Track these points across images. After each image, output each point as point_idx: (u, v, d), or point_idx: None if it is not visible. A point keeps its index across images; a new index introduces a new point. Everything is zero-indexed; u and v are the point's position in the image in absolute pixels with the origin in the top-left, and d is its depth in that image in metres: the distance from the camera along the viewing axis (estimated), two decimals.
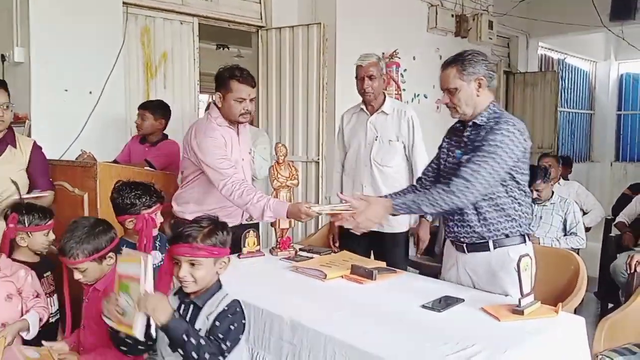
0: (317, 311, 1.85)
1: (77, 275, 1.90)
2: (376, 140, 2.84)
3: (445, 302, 1.87)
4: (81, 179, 2.75)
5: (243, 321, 1.69)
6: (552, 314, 1.76)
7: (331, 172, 4.46)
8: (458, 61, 2.03)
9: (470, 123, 2.07)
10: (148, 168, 3.07)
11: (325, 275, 2.19)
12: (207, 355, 1.56)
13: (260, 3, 4.67)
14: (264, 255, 2.62)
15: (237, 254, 2.58)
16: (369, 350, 1.51)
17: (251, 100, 2.58)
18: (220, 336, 1.61)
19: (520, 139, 1.96)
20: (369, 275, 2.17)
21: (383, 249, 2.86)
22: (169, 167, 3.21)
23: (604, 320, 2.25)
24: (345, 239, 2.88)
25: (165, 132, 3.47)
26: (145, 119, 3.36)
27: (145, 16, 3.95)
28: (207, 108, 3.34)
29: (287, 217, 2.41)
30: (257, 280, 2.25)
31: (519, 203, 2.05)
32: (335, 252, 2.70)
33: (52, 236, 2.31)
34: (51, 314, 2.27)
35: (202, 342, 1.57)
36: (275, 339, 1.81)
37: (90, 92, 3.59)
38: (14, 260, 2.21)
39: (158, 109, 3.39)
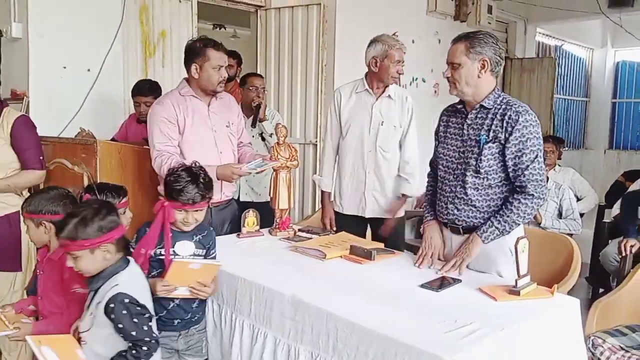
0: (318, 289, 1.87)
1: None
2: (382, 125, 2.79)
3: (443, 282, 1.91)
4: (81, 157, 2.74)
5: (138, 308, 1.70)
6: (548, 295, 1.80)
7: None
8: (469, 38, 2.05)
9: (477, 106, 2.08)
10: (147, 146, 3.06)
11: (325, 255, 2.22)
12: None
13: None
14: (263, 235, 2.64)
15: (236, 234, 2.63)
16: (370, 327, 1.54)
17: (226, 67, 2.61)
18: (133, 335, 1.68)
19: (538, 124, 2.03)
20: (367, 255, 2.20)
21: (378, 234, 2.86)
22: None
23: (596, 303, 2.31)
24: (342, 224, 2.88)
25: None
26: (149, 105, 3.27)
27: None
28: None
29: (218, 179, 2.47)
30: (256, 259, 2.27)
31: None
32: (333, 234, 2.73)
33: (129, 214, 2.23)
34: None
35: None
36: (277, 315, 1.84)
37: (89, 70, 3.57)
38: None
39: (159, 91, 3.36)
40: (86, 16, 3.51)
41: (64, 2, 3.44)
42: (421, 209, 4.92)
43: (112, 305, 1.65)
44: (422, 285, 1.88)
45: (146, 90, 3.30)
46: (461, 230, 2.15)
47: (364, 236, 2.90)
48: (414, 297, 1.80)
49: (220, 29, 8.05)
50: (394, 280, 1.99)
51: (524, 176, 1.98)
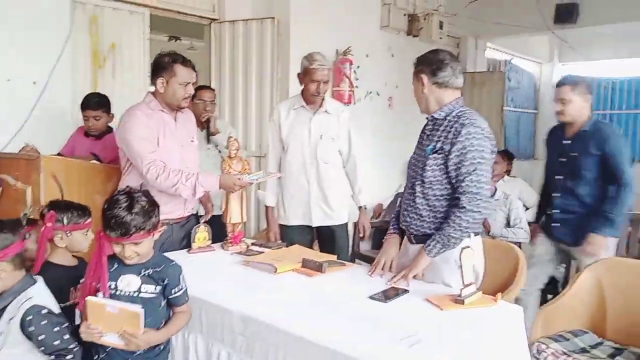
0: (268, 303, 1.87)
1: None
2: (321, 139, 2.92)
3: (391, 293, 1.93)
4: (25, 173, 2.66)
5: (56, 318, 1.69)
6: (492, 303, 1.84)
7: None
8: (415, 62, 2.19)
9: (430, 117, 2.17)
10: (95, 161, 3.00)
11: (276, 269, 2.21)
12: None
13: None
14: (214, 250, 2.61)
15: (187, 249, 2.59)
16: (316, 341, 1.55)
17: (192, 84, 2.59)
18: (56, 345, 1.65)
19: (487, 139, 2.04)
20: (318, 268, 2.21)
21: (326, 241, 3.01)
22: (116, 159, 3.13)
23: (540, 310, 2.38)
24: (290, 235, 2.98)
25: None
26: (99, 119, 3.24)
27: (93, 5, 3.84)
28: None
29: (220, 189, 2.51)
30: (207, 275, 2.24)
31: None
32: (286, 247, 2.74)
33: (91, 235, 2.09)
34: None
35: None
36: (228, 332, 1.84)
37: (35, 83, 3.47)
38: (49, 263, 1.99)
39: (107, 104, 3.29)
40: (32, 28, 3.43)
41: (8, 13, 3.34)
42: (377, 219, 5.01)
43: (29, 318, 1.62)
44: (371, 297, 1.90)
45: (94, 104, 3.22)
46: (413, 240, 2.20)
47: (311, 244, 3.04)
48: (362, 309, 1.82)
49: (176, 40, 7.97)
50: (344, 293, 2.00)
51: (461, 188, 2.01)
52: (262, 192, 2.99)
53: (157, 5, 4.19)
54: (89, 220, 2.08)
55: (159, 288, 1.83)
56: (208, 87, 3.63)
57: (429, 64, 2.12)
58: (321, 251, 2.96)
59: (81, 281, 1.98)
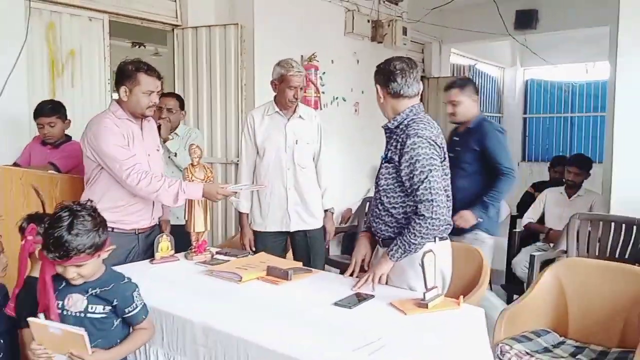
0: (231, 314, 1.84)
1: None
2: (297, 143, 2.93)
3: (356, 299, 1.93)
4: None
5: None
6: (455, 306, 1.85)
7: None
8: (375, 70, 2.20)
9: (385, 127, 2.20)
10: (52, 171, 2.91)
11: (241, 278, 2.18)
12: None
13: (175, 1, 4.56)
14: (178, 260, 2.57)
15: (149, 260, 2.54)
16: (280, 350, 1.53)
17: (157, 93, 2.54)
18: None
19: (433, 146, 2.05)
20: (284, 275, 2.19)
21: (302, 246, 3.00)
22: (75, 169, 3.05)
23: (504, 311, 2.41)
24: (265, 241, 2.97)
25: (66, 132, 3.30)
26: (54, 126, 3.15)
27: (50, 11, 3.73)
28: None
29: (203, 197, 2.50)
30: (169, 286, 2.19)
31: None
32: (252, 254, 2.71)
33: None
34: None
35: None
36: (190, 343, 1.80)
37: None
38: (30, 277, 1.91)
39: (62, 110, 3.21)
40: None
41: None
42: (345, 224, 5.01)
43: None
44: (335, 303, 1.89)
45: (48, 110, 3.14)
46: (381, 243, 2.22)
47: (284, 251, 3.04)
48: (327, 315, 1.81)
49: (139, 47, 7.86)
50: (308, 300, 1.99)
51: (416, 197, 2.02)
52: (234, 199, 2.94)
53: (117, 11, 4.11)
54: None
55: (108, 308, 1.74)
56: (168, 94, 3.58)
57: (382, 74, 2.15)
58: (296, 257, 2.99)
59: None
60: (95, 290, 1.74)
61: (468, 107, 3.12)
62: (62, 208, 1.69)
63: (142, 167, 2.44)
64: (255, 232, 3.02)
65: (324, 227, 3.08)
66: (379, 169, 2.19)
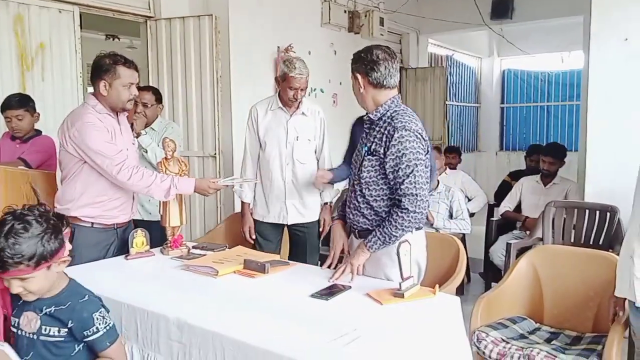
0: (206, 308, 1.82)
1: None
2: (297, 140, 2.97)
3: (332, 291, 1.92)
4: None
5: None
6: (430, 295, 1.86)
7: (229, 167, 4.45)
8: (352, 58, 2.15)
9: (367, 118, 2.15)
10: (23, 167, 2.85)
11: (217, 272, 2.16)
12: None
13: None
14: (154, 255, 2.53)
15: (124, 255, 2.50)
16: (254, 344, 1.51)
17: (136, 85, 2.51)
18: None
19: (419, 140, 2.03)
20: (261, 268, 2.17)
21: (299, 239, 3.07)
22: (46, 163, 2.99)
23: (480, 299, 2.44)
24: (263, 231, 3.06)
25: (38, 127, 3.24)
26: (22, 119, 3.10)
27: (17, 3, 3.64)
28: None
29: (195, 191, 2.52)
30: (144, 281, 2.16)
31: None
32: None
33: (69, 246, 1.88)
34: None
35: None
36: (164, 339, 1.77)
37: None
38: None
39: (30, 103, 3.14)
40: None
41: None
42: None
43: None
44: (312, 295, 1.88)
45: (16, 103, 3.08)
46: (357, 234, 2.20)
47: (280, 243, 3.13)
48: (303, 308, 1.80)
49: (113, 39, 7.72)
50: (285, 293, 1.98)
51: (400, 190, 2.01)
52: (238, 189, 3.04)
53: (89, 2, 4.02)
54: (67, 229, 1.85)
55: (64, 330, 1.54)
56: (148, 88, 3.52)
57: (363, 63, 2.09)
58: (292, 249, 3.10)
59: None
60: (50, 309, 1.54)
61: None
62: (8, 212, 1.50)
63: (131, 162, 2.44)
64: (255, 222, 3.08)
65: (318, 221, 3.11)
66: (361, 162, 2.13)
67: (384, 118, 2.08)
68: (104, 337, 1.58)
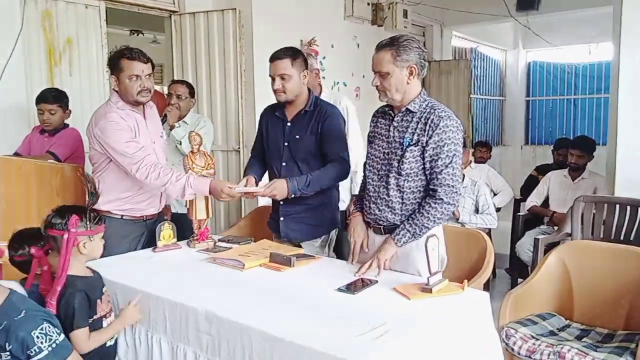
0: (234, 301, 1.82)
1: None
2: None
3: (359, 285, 1.91)
4: None
5: None
6: (459, 290, 1.84)
7: None
8: (394, 46, 2.02)
9: (403, 109, 2.10)
10: (52, 160, 2.90)
11: (244, 265, 2.17)
12: None
13: None
14: (180, 248, 2.56)
15: (152, 248, 2.53)
16: (282, 337, 1.51)
17: (147, 76, 2.50)
18: None
19: (459, 130, 2.03)
20: (287, 262, 2.17)
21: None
22: (73, 155, 3.05)
23: (508, 295, 2.40)
24: None
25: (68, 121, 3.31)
26: (54, 114, 3.18)
27: (45, 0, 3.70)
28: None
29: (210, 194, 2.47)
30: (172, 274, 2.18)
31: None
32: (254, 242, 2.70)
33: (102, 241, 1.93)
34: None
35: None
36: (193, 331, 1.78)
37: None
38: (68, 276, 1.77)
39: (65, 100, 3.21)
40: None
41: None
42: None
43: None
44: (338, 289, 1.88)
45: (51, 97, 3.16)
46: (382, 230, 2.18)
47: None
48: (330, 301, 1.79)
49: (138, 34, 7.79)
50: (312, 286, 1.97)
51: (437, 180, 2.00)
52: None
53: None
54: (103, 223, 1.90)
55: (6, 355, 1.38)
56: (177, 81, 3.57)
57: (417, 54, 2.03)
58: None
59: (104, 290, 1.89)
60: None
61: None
62: None
63: (151, 160, 2.45)
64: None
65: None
66: (402, 154, 2.07)
67: (421, 108, 2.06)
68: (50, 357, 1.43)
